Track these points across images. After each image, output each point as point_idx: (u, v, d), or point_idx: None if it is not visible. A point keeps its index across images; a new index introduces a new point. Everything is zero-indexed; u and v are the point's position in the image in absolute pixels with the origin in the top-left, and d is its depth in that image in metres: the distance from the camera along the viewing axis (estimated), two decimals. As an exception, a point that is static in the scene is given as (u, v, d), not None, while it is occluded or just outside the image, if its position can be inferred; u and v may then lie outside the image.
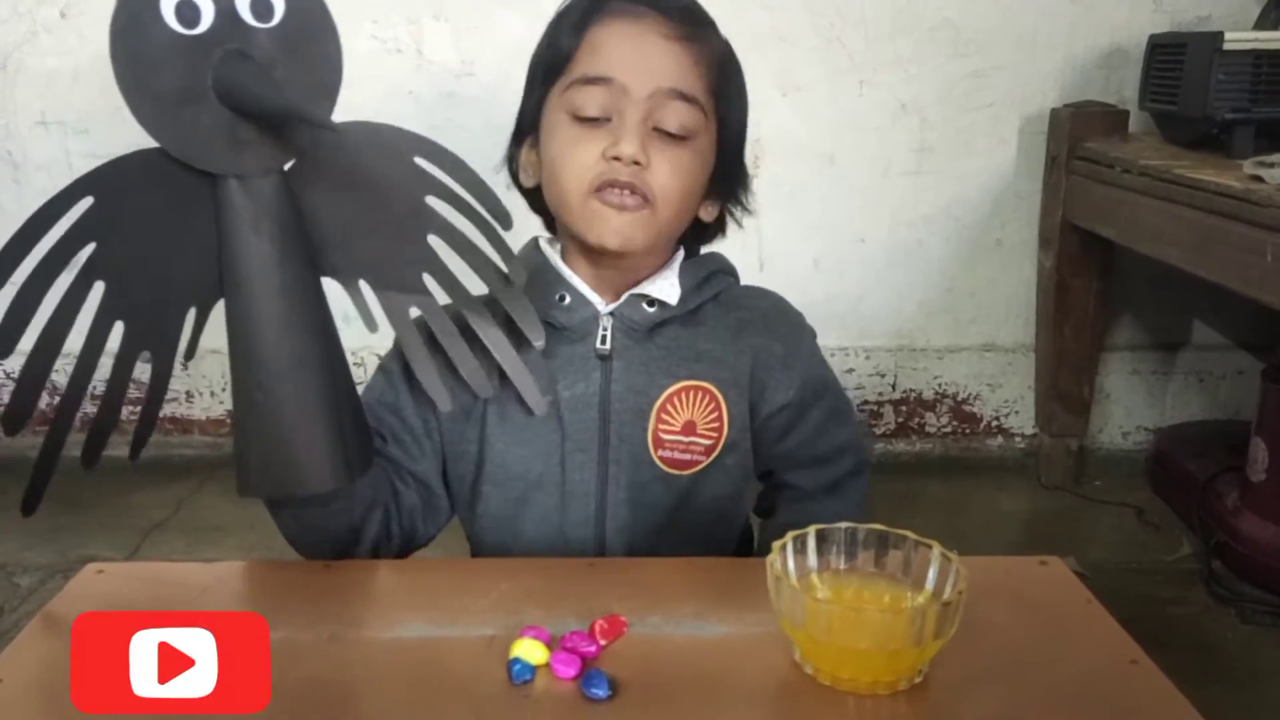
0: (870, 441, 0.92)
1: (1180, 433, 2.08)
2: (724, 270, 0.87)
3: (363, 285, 0.71)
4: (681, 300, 0.83)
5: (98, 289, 0.67)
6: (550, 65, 0.79)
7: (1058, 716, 0.56)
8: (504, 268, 0.73)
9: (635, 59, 0.76)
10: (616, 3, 0.78)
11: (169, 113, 0.64)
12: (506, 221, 0.72)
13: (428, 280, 0.72)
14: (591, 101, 0.76)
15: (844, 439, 0.89)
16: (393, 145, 0.70)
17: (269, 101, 0.63)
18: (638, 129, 0.76)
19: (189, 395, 2.10)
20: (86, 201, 0.65)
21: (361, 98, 1.92)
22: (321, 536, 0.75)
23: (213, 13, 0.63)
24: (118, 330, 0.69)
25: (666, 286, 0.82)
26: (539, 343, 0.74)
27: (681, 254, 0.86)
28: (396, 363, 0.82)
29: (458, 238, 0.71)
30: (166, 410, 2.09)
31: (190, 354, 0.71)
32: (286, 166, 0.68)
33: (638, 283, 0.83)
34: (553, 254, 0.84)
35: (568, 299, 0.82)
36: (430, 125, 1.97)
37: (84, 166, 0.63)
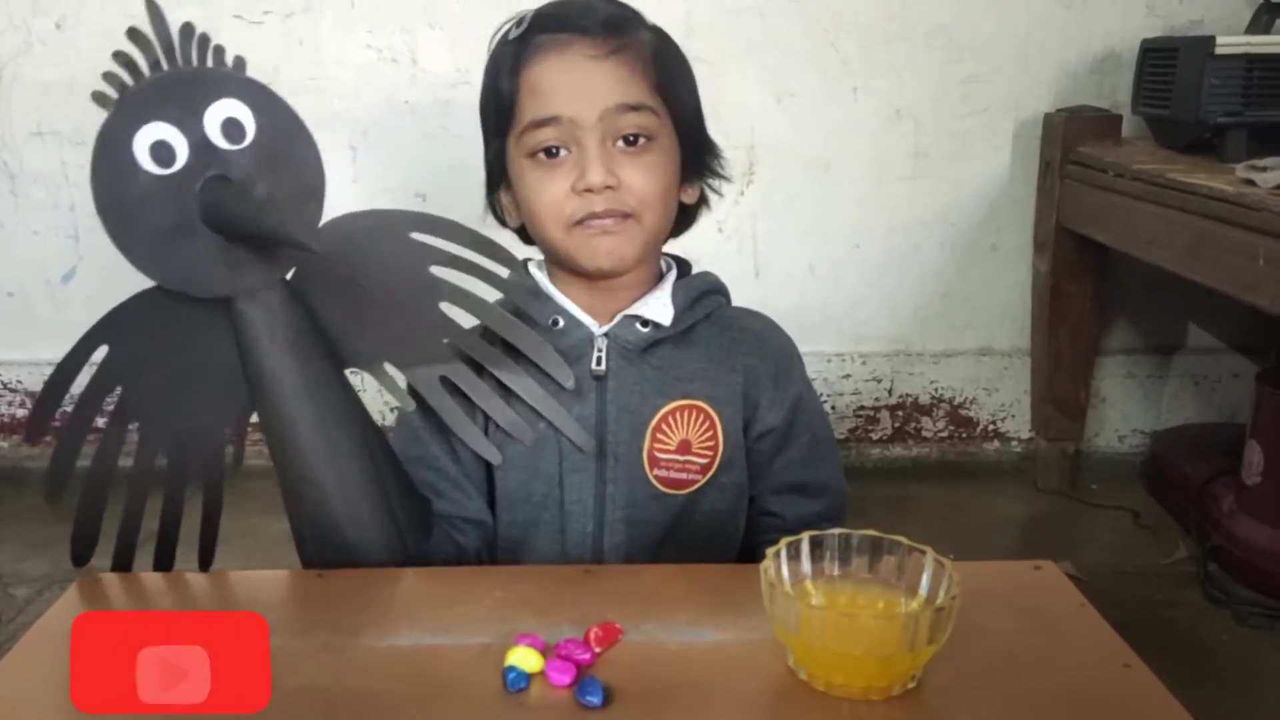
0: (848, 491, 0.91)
1: (1176, 436, 2.08)
2: (715, 290, 0.88)
3: (388, 368, 0.73)
4: (674, 320, 0.83)
5: (133, 428, 0.70)
6: (499, 115, 0.80)
7: (1051, 721, 0.57)
8: (527, 311, 0.75)
9: (575, 90, 0.77)
10: (541, 36, 0.78)
11: (162, 251, 0.65)
12: (514, 264, 0.74)
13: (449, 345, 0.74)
14: (547, 140, 0.78)
15: (826, 476, 0.89)
16: (387, 227, 0.72)
17: (251, 226, 0.64)
18: (599, 155, 0.77)
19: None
20: (102, 350, 0.68)
21: (358, 108, 1.93)
22: None
23: (186, 147, 0.64)
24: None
25: (659, 307, 0.83)
26: (569, 384, 0.77)
27: (674, 274, 0.87)
28: (415, 416, 0.81)
29: (470, 300, 0.73)
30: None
31: (237, 467, 0.73)
32: (289, 274, 0.69)
33: (630, 303, 0.83)
34: (543, 279, 0.85)
35: (561, 322, 0.82)
36: (426, 134, 1.99)
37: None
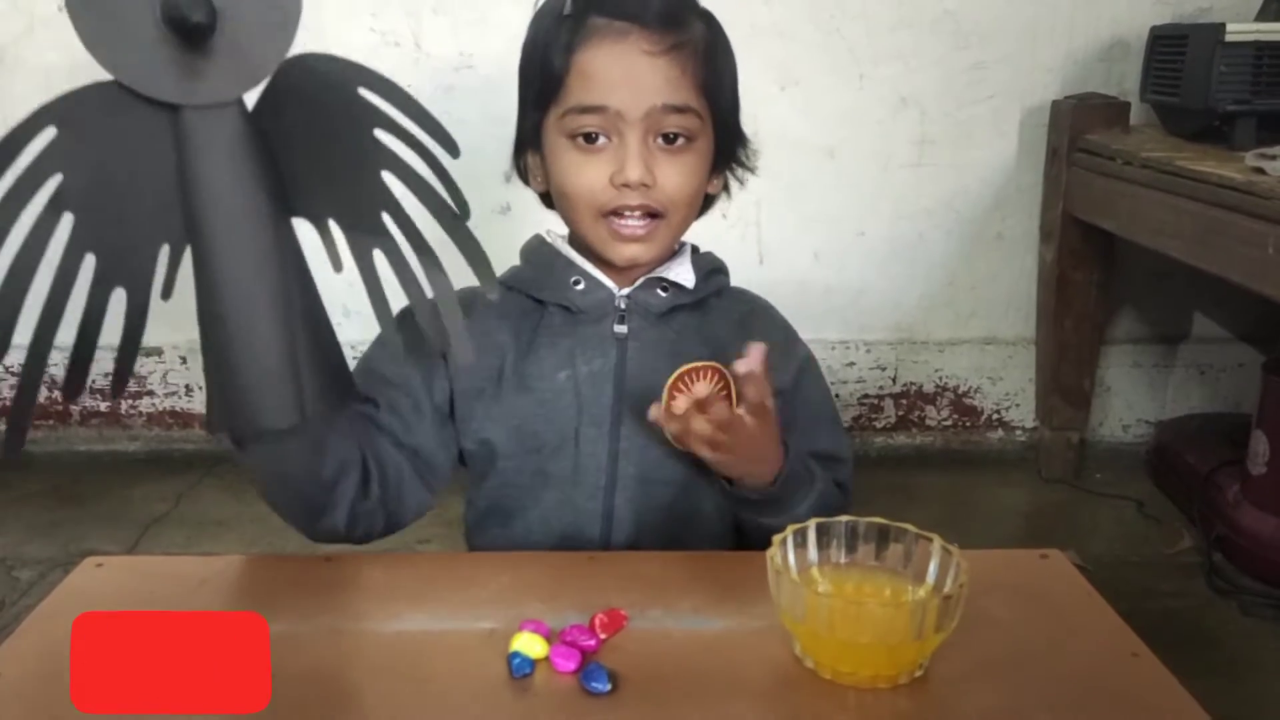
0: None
1: (1181, 426, 2.07)
2: (721, 270, 0.90)
3: (332, 225, 0.70)
4: (694, 287, 0.86)
5: (67, 221, 0.67)
6: (544, 89, 0.81)
7: (1059, 710, 0.56)
8: (453, 204, 0.71)
9: (625, 82, 0.78)
10: (599, 19, 0.79)
11: (121, 44, 0.64)
12: (454, 150, 0.71)
13: (389, 222, 0.70)
14: (589, 127, 0.79)
15: (834, 446, 0.89)
16: (337, 76, 0.69)
17: (193, 21, 0.62)
18: (639, 150, 0.78)
19: (188, 389, 2.09)
20: (50, 132, 0.65)
21: (360, 91, 1.92)
22: (287, 485, 0.74)
23: None
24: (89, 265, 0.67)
25: (684, 272, 0.86)
26: (492, 295, 0.72)
27: (689, 248, 0.89)
28: (401, 335, 0.81)
29: (409, 174, 0.70)
30: (167, 404, 2.10)
31: (167, 292, 0.70)
32: (247, 97, 0.67)
33: (647, 272, 0.85)
34: (561, 244, 0.87)
35: (582, 283, 0.84)
36: (429, 118, 1.97)
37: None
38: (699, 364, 0.83)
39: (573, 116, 0.79)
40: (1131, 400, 2.17)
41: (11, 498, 1.93)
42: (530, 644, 0.59)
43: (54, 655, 0.61)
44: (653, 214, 0.80)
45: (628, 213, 0.80)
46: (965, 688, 0.58)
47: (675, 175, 0.80)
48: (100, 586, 0.71)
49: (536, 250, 0.88)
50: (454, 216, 0.71)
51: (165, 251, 0.69)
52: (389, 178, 0.70)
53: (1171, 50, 1.73)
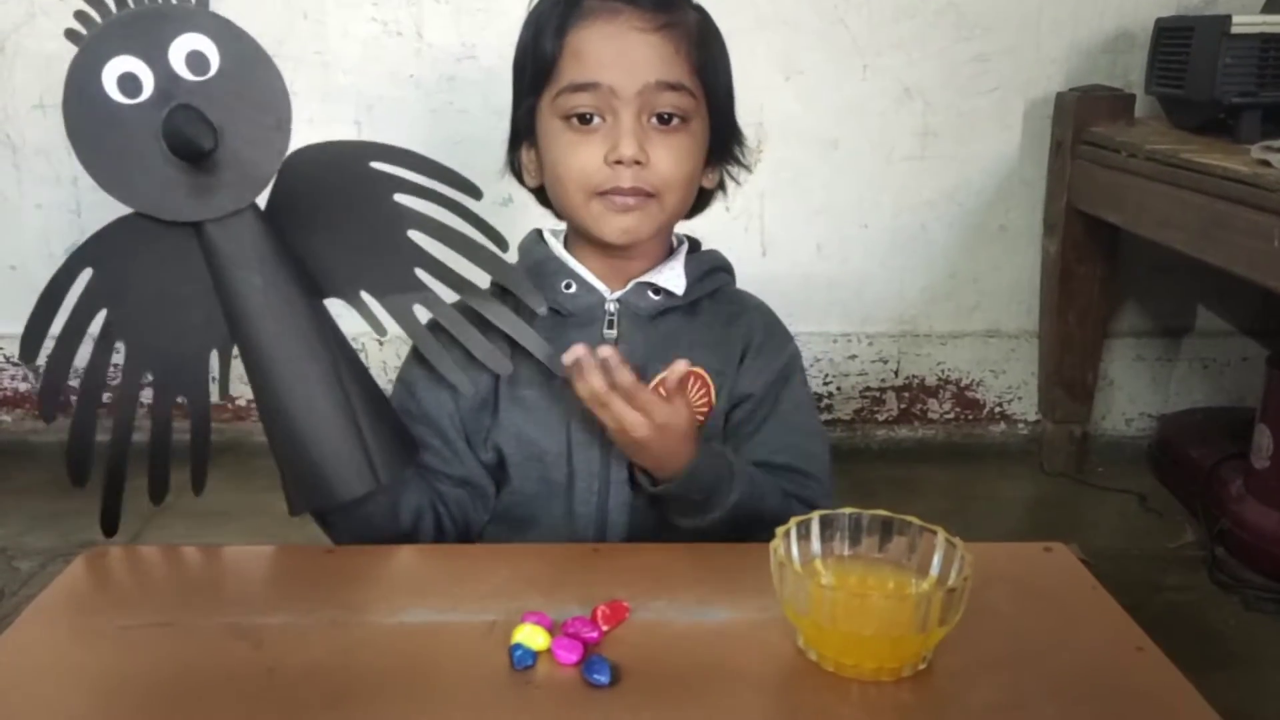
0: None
1: (1184, 419, 2.07)
2: (722, 268, 0.89)
3: (365, 296, 0.75)
4: (685, 291, 0.85)
5: (120, 348, 0.73)
6: (536, 73, 0.81)
7: (1063, 703, 0.56)
8: (484, 240, 0.76)
9: (618, 59, 0.78)
10: (591, 1, 0.79)
11: (132, 176, 0.69)
12: (475, 193, 0.76)
13: (422, 274, 0.75)
14: (583, 106, 0.79)
15: (801, 458, 0.85)
16: (344, 158, 0.74)
17: (200, 147, 0.67)
18: (633, 128, 0.78)
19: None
20: (87, 273, 0.71)
21: (363, 82, 1.92)
22: (371, 544, 0.76)
23: (152, 79, 0.67)
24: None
25: (673, 277, 0.85)
26: (540, 309, 0.78)
27: (686, 246, 0.89)
28: (414, 370, 0.83)
29: (435, 226, 0.75)
30: (168, 395, 2.08)
31: (224, 391, 0.76)
32: (259, 200, 0.72)
33: (642, 272, 0.85)
34: (555, 244, 0.87)
35: (573, 286, 0.84)
36: (431, 109, 1.98)
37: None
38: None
39: (566, 96, 0.79)
40: (1134, 394, 2.16)
41: (12, 488, 1.92)
42: (532, 636, 0.59)
43: (54, 646, 0.61)
44: (646, 195, 0.80)
45: (618, 197, 0.79)
46: (969, 681, 0.58)
47: (669, 155, 0.79)
48: (101, 577, 0.71)
49: (530, 249, 0.87)
50: (491, 255, 0.76)
51: (214, 355, 0.74)
52: (414, 234, 0.75)
53: (1176, 42, 1.73)
